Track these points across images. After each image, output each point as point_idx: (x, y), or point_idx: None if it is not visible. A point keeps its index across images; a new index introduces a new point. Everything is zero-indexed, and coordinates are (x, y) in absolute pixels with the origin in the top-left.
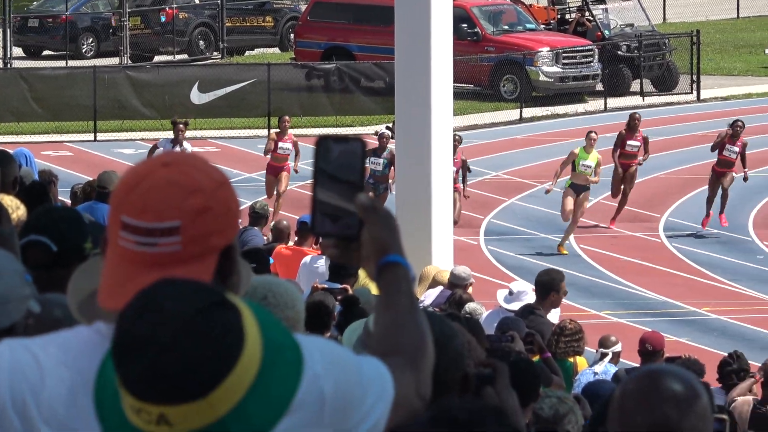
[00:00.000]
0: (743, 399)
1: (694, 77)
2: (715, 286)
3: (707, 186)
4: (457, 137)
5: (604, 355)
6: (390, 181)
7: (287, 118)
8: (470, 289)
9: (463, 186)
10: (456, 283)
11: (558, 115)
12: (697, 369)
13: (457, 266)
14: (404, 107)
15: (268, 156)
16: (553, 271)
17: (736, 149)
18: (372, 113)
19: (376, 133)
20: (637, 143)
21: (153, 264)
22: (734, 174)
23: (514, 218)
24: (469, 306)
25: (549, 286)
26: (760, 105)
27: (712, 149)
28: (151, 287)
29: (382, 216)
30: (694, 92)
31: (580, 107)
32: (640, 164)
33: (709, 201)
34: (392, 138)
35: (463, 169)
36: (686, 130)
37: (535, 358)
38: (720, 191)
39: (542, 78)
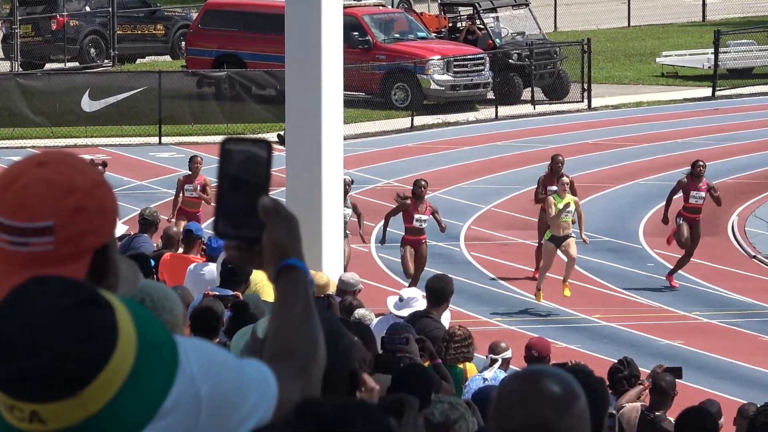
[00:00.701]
0: (631, 406)
1: (585, 86)
2: (606, 293)
3: (674, 235)
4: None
5: (494, 361)
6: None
7: (200, 159)
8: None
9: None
10: (344, 289)
11: (449, 123)
12: (583, 375)
13: (345, 273)
14: (295, 115)
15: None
16: (445, 278)
17: (702, 194)
18: (263, 121)
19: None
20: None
21: (26, 263)
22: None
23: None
24: (359, 312)
25: (441, 292)
26: (650, 113)
27: (668, 199)
28: (21, 286)
29: (284, 219)
30: (585, 101)
31: (471, 115)
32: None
33: (684, 243)
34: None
35: (434, 215)
36: (577, 139)
37: (426, 364)
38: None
39: (433, 86)
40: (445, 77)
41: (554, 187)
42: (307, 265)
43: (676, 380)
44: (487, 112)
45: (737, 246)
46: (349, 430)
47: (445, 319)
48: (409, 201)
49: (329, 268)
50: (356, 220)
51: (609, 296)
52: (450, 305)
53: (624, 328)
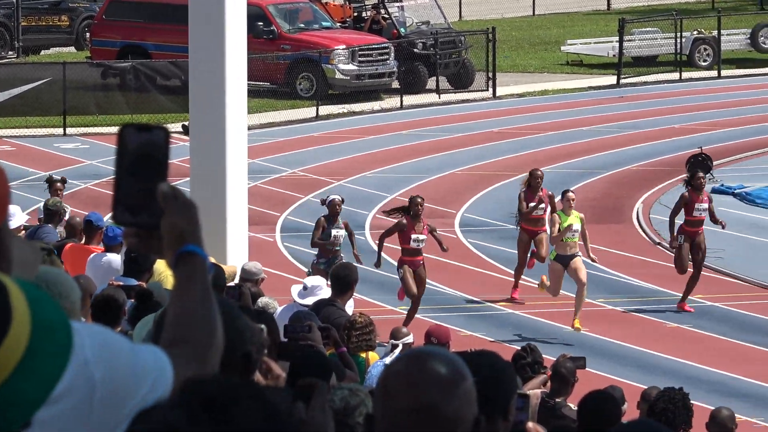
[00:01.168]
0: (533, 393)
1: (490, 74)
2: (510, 280)
3: (676, 257)
4: (539, 173)
5: (395, 347)
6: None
7: None
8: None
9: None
10: (247, 278)
11: (354, 113)
12: (490, 358)
13: (247, 261)
14: (198, 105)
15: None
16: (349, 266)
17: (705, 206)
18: (168, 111)
19: (323, 202)
20: (705, 205)
21: None
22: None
23: (310, 215)
24: (262, 300)
25: (345, 280)
26: (555, 102)
27: (672, 221)
28: None
29: (183, 206)
30: (490, 89)
31: (376, 105)
32: (723, 226)
33: (684, 268)
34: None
35: (432, 233)
36: (482, 127)
37: (330, 352)
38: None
39: (338, 76)
40: (350, 67)
41: (703, 204)
42: (212, 254)
43: (581, 368)
44: (392, 101)
45: (642, 233)
46: (233, 409)
47: (349, 308)
48: (405, 221)
49: (233, 257)
50: (350, 240)
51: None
52: (355, 293)
53: (529, 316)
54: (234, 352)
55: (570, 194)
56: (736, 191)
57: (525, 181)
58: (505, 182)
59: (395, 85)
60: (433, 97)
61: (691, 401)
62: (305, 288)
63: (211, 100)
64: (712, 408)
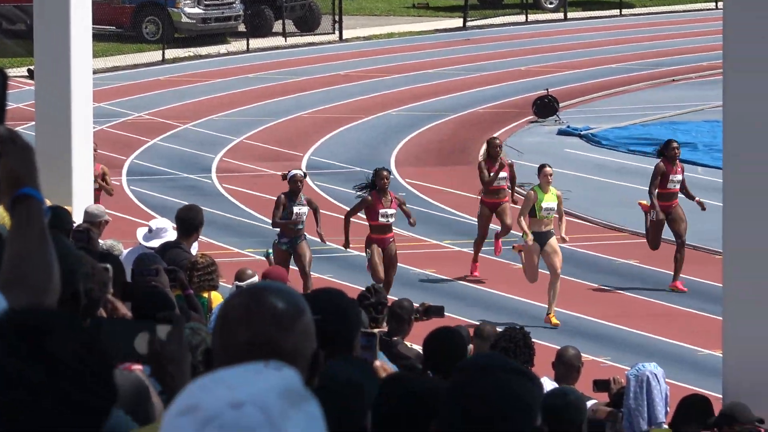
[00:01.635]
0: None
1: (336, 17)
2: (358, 223)
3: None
4: (498, 142)
5: (239, 288)
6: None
7: (96, 144)
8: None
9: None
10: (90, 220)
11: (201, 56)
12: (330, 298)
13: (90, 204)
14: (43, 49)
15: None
16: (194, 208)
17: (680, 177)
18: (14, 55)
19: (284, 177)
20: (680, 177)
21: None
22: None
23: (156, 158)
24: (107, 242)
25: (191, 223)
26: (401, 44)
27: (652, 192)
28: None
29: (20, 148)
30: (336, 32)
31: (222, 48)
32: (703, 207)
33: (656, 245)
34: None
35: (401, 207)
36: (328, 70)
37: (177, 294)
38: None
39: (184, 19)
40: (196, 10)
41: (677, 176)
42: (57, 198)
43: (439, 317)
44: (239, 44)
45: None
46: (49, 338)
47: (194, 250)
48: (370, 197)
49: (79, 202)
50: (314, 216)
51: (362, 226)
52: (201, 236)
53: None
54: (64, 291)
55: (547, 169)
56: (582, 132)
57: (483, 151)
58: (352, 125)
59: (241, 28)
60: (279, 41)
61: (533, 340)
62: (150, 231)
63: (56, 44)
64: (558, 347)
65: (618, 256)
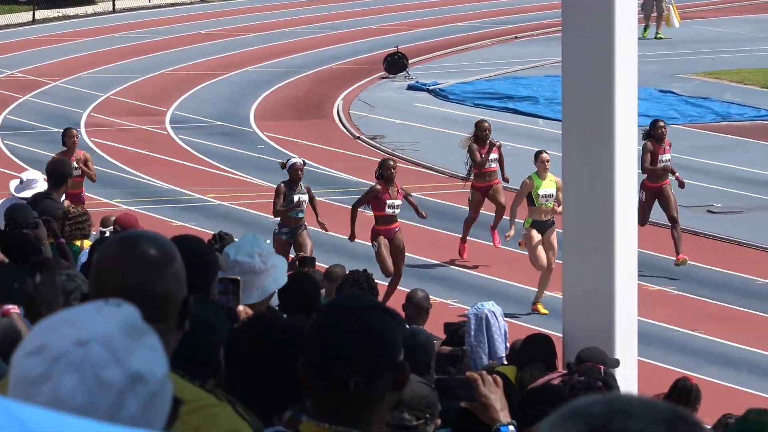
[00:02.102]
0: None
1: None
2: (218, 174)
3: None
4: (487, 125)
5: (102, 234)
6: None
7: (75, 132)
8: None
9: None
10: None
11: (69, 17)
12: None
13: None
14: None
15: None
16: (64, 160)
17: (668, 156)
18: None
19: (282, 166)
20: (668, 156)
21: None
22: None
23: (29, 114)
24: None
25: (61, 174)
26: (259, 4)
27: (644, 171)
28: None
29: None
30: None
31: (89, 9)
32: (681, 185)
33: (644, 221)
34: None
35: (407, 198)
36: (190, 29)
37: (50, 242)
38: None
39: None
40: None
41: (666, 155)
42: None
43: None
44: (105, 5)
45: (342, 128)
46: None
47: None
48: (378, 186)
49: None
50: (311, 206)
51: (222, 177)
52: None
53: (237, 207)
54: None
55: (544, 155)
56: (430, 88)
57: (471, 134)
58: (213, 81)
59: None
60: (143, 1)
61: (377, 281)
62: (22, 182)
63: None
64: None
65: (463, 203)
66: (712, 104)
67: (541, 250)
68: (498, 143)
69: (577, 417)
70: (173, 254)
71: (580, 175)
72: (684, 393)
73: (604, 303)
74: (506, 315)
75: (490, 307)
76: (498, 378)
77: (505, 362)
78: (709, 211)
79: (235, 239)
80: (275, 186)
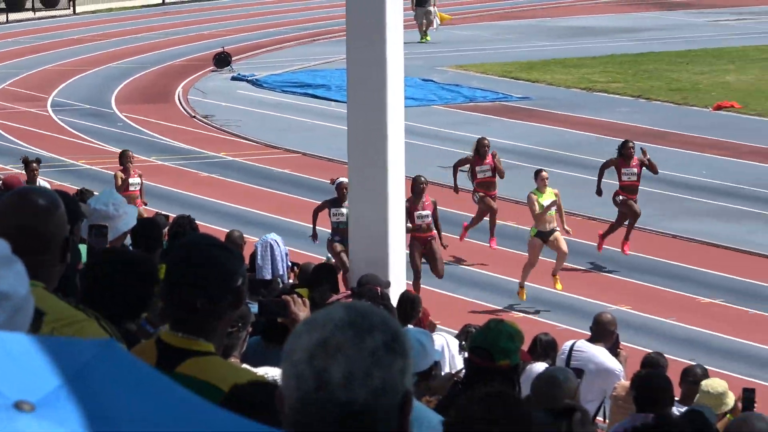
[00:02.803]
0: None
1: None
2: (88, 145)
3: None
4: (486, 142)
5: None
6: None
7: (131, 153)
8: None
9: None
10: None
11: None
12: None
13: None
14: None
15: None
16: None
17: (635, 170)
18: None
19: (332, 182)
20: (634, 170)
21: None
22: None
23: None
24: None
25: None
26: (118, 16)
27: (600, 172)
28: None
29: None
30: (71, 8)
31: None
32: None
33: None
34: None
35: (434, 212)
36: (66, 35)
37: None
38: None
39: None
40: None
41: (633, 169)
42: None
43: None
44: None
45: (182, 109)
46: None
47: None
48: (408, 202)
49: None
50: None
51: (90, 147)
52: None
53: (100, 170)
54: None
55: (544, 173)
56: (249, 78)
57: (473, 149)
58: (83, 75)
59: (2, 5)
60: (30, 15)
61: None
62: None
63: None
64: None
65: (278, 167)
66: (462, 90)
67: (536, 257)
68: (493, 152)
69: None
70: (58, 203)
71: (361, 144)
72: (408, 302)
73: (380, 240)
74: (509, 308)
75: (273, 236)
76: (306, 299)
77: (290, 281)
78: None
79: (95, 193)
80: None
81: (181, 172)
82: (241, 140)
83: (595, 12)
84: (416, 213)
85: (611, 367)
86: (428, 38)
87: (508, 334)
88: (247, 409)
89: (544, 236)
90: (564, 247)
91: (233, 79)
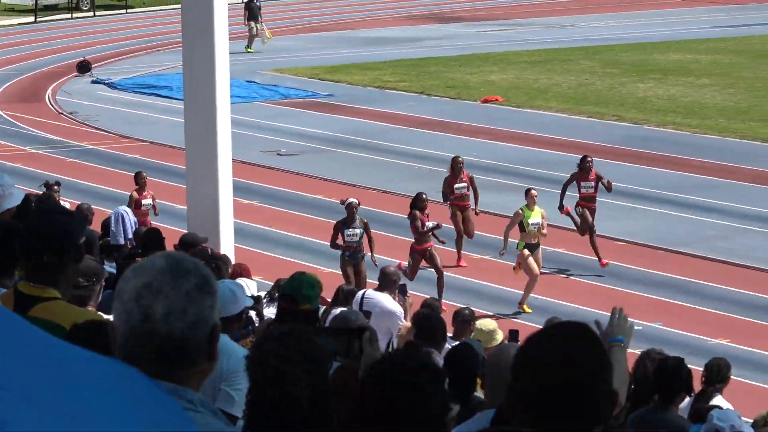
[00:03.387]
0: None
1: None
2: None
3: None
4: (460, 160)
5: None
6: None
7: (145, 174)
8: None
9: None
10: None
11: None
12: None
13: None
14: None
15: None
16: None
17: (592, 184)
18: None
19: (341, 202)
20: (592, 183)
21: None
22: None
23: None
24: None
25: None
26: None
27: (562, 193)
28: None
29: None
30: None
31: None
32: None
33: (583, 232)
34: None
35: (471, 185)
36: None
37: None
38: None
39: None
40: None
41: (590, 183)
42: None
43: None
44: None
45: (51, 107)
46: None
47: None
48: (418, 213)
49: None
50: (367, 239)
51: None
52: None
53: None
54: None
55: (533, 192)
56: (106, 82)
57: (449, 167)
58: None
59: None
60: None
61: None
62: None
63: None
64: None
65: (129, 153)
66: (279, 89)
67: (532, 264)
68: (470, 175)
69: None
70: None
71: (196, 133)
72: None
73: (212, 211)
74: (500, 315)
75: (124, 208)
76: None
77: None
78: (278, 154)
79: None
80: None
81: (51, 159)
82: (100, 132)
83: (385, 25)
84: (455, 185)
85: (393, 309)
86: (252, 50)
87: (309, 283)
88: (85, 342)
89: (531, 248)
90: (537, 270)
91: (93, 82)
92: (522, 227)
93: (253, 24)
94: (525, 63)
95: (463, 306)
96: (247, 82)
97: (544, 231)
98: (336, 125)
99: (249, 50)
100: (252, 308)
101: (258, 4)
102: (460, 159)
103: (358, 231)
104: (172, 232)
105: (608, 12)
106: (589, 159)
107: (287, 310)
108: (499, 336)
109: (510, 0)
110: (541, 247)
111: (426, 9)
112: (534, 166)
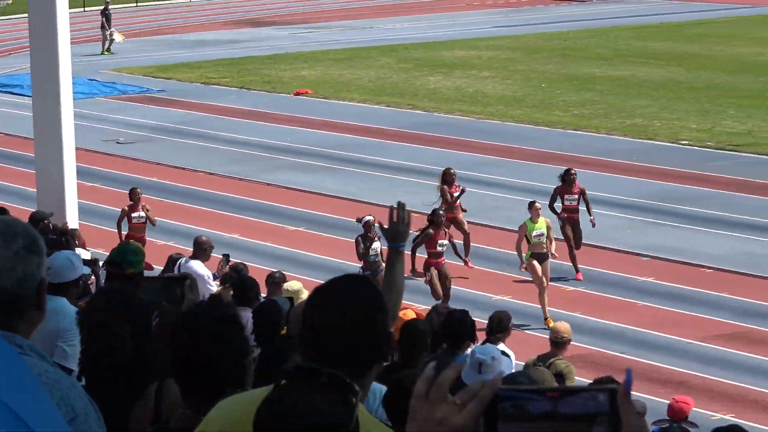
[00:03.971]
0: None
1: None
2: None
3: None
4: (452, 171)
5: None
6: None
7: (139, 190)
8: None
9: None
10: None
11: None
12: None
13: None
14: None
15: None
16: None
17: (575, 196)
18: None
19: (358, 220)
20: (576, 196)
21: None
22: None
23: None
24: None
25: None
26: None
27: (550, 205)
28: None
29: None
30: None
31: None
32: (593, 225)
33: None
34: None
35: (583, 196)
36: None
37: None
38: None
39: None
40: None
41: (573, 195)
42: None
43: None
44: None
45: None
46: None
47: None
48: (432, 231)
49: None
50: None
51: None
52: None
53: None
54: None
55: (537, 204)
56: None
57: (440, 179)
58: None
59: None
60: None
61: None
62: None
63: None
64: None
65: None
66: (117, 86)
67: (540, 272)
68: (462, 187)
69: None
70: None
71: (43, 125)
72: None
73: (58, 189)
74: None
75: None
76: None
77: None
78: (117, 142)
79: None
80: None
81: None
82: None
83: (207, 30)
84: (439, 241)
85: (202, 273)
86: (110, 52)
87: (133, 250)
88: None
89: (539, 258)
90: (542, 275)
91: None
92: (527, 239)
93: (108, 30)
94: (331, 60)
95: (275, 270)
96: (89, 80)
97: (553, 249)
98: (168, 117)
99: (108, 52)
100: (92, 271)
101: (108, 12)
102: (452, 171)
103: (377, 246)
104: (23, 211)
105: (401, 15)
106: (573, 172)
107: (114, 274)
108: (304, 294)
109: (315, 5)
110: (550, 258)
111: (243, 15)
112: (340, 150)
